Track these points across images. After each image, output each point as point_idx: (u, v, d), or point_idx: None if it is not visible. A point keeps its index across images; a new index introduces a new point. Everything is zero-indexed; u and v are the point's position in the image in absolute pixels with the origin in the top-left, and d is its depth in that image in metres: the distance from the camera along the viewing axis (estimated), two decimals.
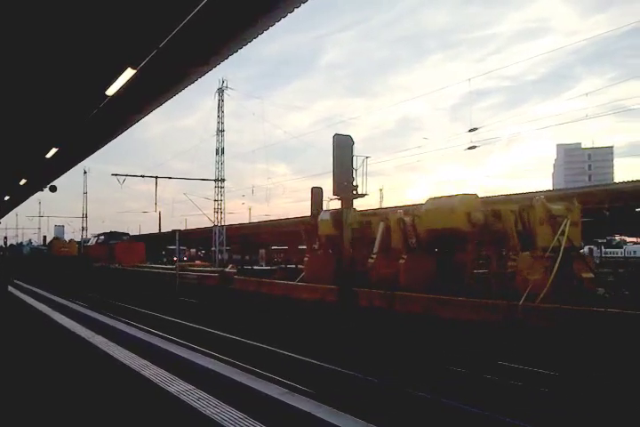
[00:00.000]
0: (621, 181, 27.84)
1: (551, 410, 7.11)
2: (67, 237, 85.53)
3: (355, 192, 14.42)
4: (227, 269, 24.45)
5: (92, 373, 6.60)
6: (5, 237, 73.72)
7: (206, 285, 23.52)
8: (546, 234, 12.89)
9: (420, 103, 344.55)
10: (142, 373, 6.18)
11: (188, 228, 57.17)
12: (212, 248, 42.51)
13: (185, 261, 47.49)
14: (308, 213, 19.94)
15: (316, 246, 19.84)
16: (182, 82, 12.92)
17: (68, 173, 28.20)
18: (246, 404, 4.79)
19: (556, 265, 12.06)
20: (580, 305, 10.89)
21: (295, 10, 8.96)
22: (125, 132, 18.78)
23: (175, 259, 30.80)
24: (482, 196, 31.97)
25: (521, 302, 11.60)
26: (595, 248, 54.37)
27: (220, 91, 40.13)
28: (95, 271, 38.58)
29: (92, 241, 46.62)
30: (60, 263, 47.06)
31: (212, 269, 28.45)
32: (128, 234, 46.70)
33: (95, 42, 9.88)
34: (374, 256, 15.90)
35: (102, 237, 44.02)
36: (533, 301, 11.66)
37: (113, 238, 42.72)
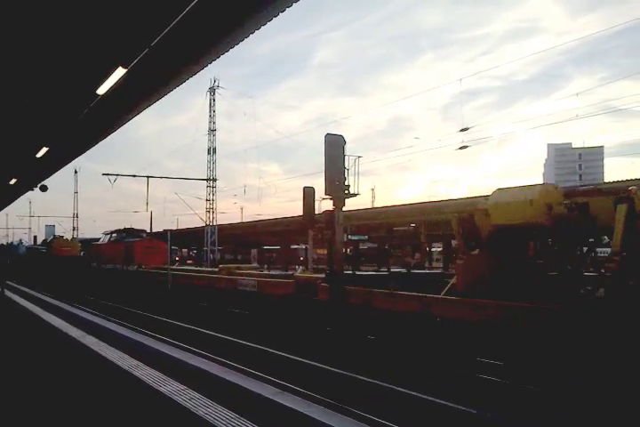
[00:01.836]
0: (612, 180, 28.03)
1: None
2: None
3: (346, 192, 14.43)
4: (298, 273, 18.97)
5: (83, 373, 6.57)
6: None
7: (273, 294, 17.60)
8: None
9: (412, 103, 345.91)
10: (134, 373, 6.16)
11: (180, 227, 57.13)
12: (205, 248, 42.47)
13: (177, 261, 45.89)
14: (301, 213, 19.63)
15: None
16: (173, 81, 12.88)
17: (59, 172, 28.09)
18: (239, 404, 4.79)
19: None
20: None
21: (287, 9, 8.97)
22: (116, 132, 18.74)
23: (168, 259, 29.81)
24: (474, 195, 32.07)
25: None
26: (585, 248, 54.76)
27: (212, 90, 40.12)
28: (108, 274, 33.30)
29: (104, 239, 39.26)
30: (61, 265, 42.00)
31: (277, 273, 22.39)
32: (145, 231, 39.14)
33: (86, 41, 9.83)
34: (615, 258, 10.34)
35: (115, 234, 37.36)
36: None
37: (129, 236, 36.01)
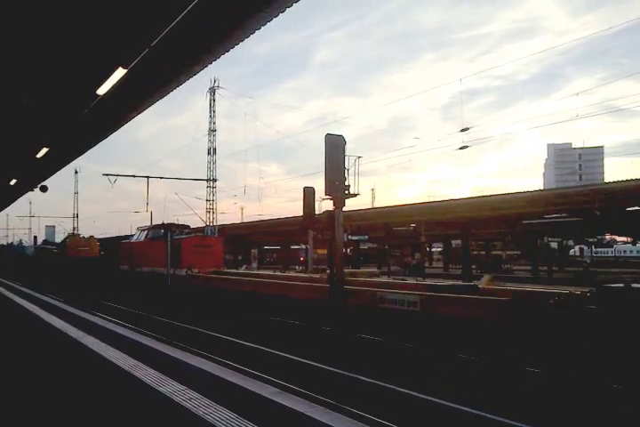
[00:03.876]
0: (612, 180, 28.06)
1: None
2: (58, 238, 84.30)
3: (346, 192, 14.43)
4: (484, 284, 12.85)
5: (83, 373, 6.56)
6: None
7: (457, 318, 10.70)
8: None
9: (413, 103, 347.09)
10: (133, 373, 6.16)
11: None
12: None
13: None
14: (301, 213, 19.35)
15: None
16: (173, 81, 12.89)
17: (59, 172, 28.12)
18: (238, 404, 4.79)
19: None
20: None
21: (287, 9, 8.97)
22: (117, 132, 18.75)
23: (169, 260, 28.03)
24: (473, 195, 32.07)
25: None
26: (585, 247, 54.87)
27: (212, 90, 40.09)
28: (146, 280, 27.05)
29: (139, 236, 31.69)
30: (79, 267, 37.85)
31: (450, 283, 14.99)
32: (188, 226, 32.08)
33: (86, 41, 9.84)
34: None
35: (151, 231, 30.15)
36: None
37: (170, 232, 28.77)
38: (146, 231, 30.66)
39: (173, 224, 30.61)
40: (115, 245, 39.44)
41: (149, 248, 28.72)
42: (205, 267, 24.26)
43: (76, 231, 62.31)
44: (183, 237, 27.25)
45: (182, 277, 23.36)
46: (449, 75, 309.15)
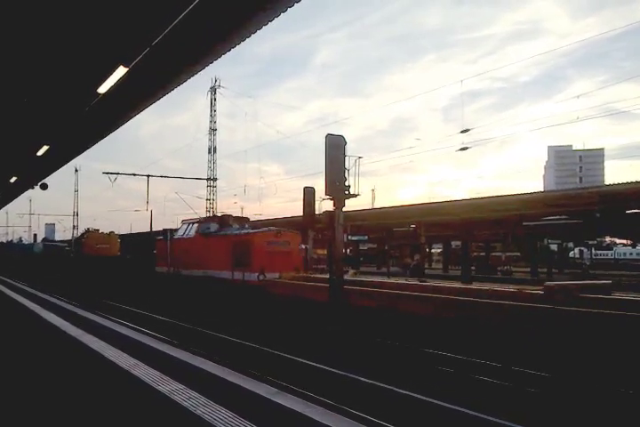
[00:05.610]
0: (612, 182, 28.05)
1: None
2: (57, 236, 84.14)
3: (347, 192, 14.44)
4: None
5: (81, 371, 6.56)
6: None
7: None
8: None
9: (414, 104, 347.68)
10: (132, 372, 6.16)
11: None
12: None
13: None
14: (301, 213, 19.01)
15: None
16: (174, 80, 12.88)
17: (59, 170, 28.09)
18: (237, 403, 4.79)
19: None
20: None
21: (288, 9, 8.96)
22: (117, 130, 18.75)
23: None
24: (473, 197, 32.08)
25: None
26: (585, 250, 54.90)
27: (213, 89, 40.17)
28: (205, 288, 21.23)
29: (188, 231, 24.66)
30: (99, 268, 33.47)
31: None
32: (248, 219, 25.80)
33: (87, 40, 9.83)
34: None
35: (203, 224, 23.80)
36: None
37: (226, 227, 23.05)
38: (197, 224, 24.23)
39: (231, 216, 24.94)
40: (146, 243, 34.25)
41: (205, 246, 22.84)
42: (283, 270, 18.97)
43: (80, 229, 61.88)
44: (251, 231, 21.35)
45: (254, 284, 18.66)
46: (450, 76, 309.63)
